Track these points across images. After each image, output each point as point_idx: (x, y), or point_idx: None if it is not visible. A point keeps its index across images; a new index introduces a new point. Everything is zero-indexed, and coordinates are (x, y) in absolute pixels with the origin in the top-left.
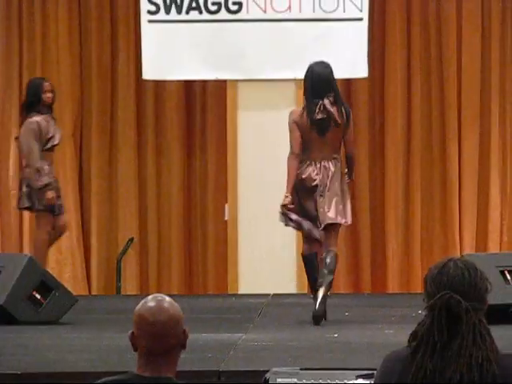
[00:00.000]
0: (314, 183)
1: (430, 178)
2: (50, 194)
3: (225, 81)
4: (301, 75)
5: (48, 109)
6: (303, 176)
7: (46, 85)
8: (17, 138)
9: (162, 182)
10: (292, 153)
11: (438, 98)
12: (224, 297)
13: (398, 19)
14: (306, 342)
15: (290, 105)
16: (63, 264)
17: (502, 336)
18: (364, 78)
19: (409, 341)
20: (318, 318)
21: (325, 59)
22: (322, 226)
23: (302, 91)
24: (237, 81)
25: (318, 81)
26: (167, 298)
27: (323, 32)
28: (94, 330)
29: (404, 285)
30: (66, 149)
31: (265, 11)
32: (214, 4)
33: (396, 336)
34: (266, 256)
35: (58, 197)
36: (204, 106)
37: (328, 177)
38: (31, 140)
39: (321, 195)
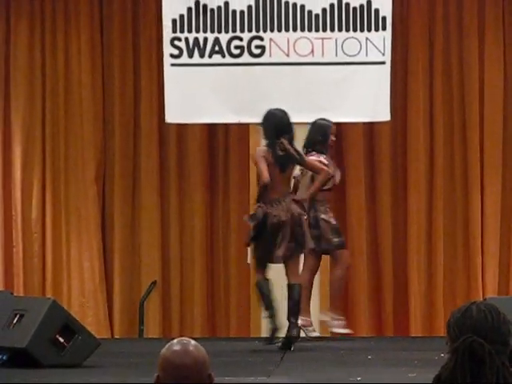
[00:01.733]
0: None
1: (453, 221)
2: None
3: (247, 124)
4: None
5: (327, 151)
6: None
7: (334, 128)
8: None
9: (185, 226)
10: (264, 182)
11: (460, 142)
12: (247, 340)
13: (420, 63)
14: None
15: None
16: (86, 307)
17: None
18: (386, 122)
19: None
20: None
21: (347, 102)
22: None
23: None
24: (259, 124)
25: (281, 123)
26: (192, 342)
27: (346, 75)
28: (117, 374)
29: (426, 329)
30: (89, 194)
31: (288, 55)
32: (236, 48)
33: (419, 379)
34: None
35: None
36: (227, 149)
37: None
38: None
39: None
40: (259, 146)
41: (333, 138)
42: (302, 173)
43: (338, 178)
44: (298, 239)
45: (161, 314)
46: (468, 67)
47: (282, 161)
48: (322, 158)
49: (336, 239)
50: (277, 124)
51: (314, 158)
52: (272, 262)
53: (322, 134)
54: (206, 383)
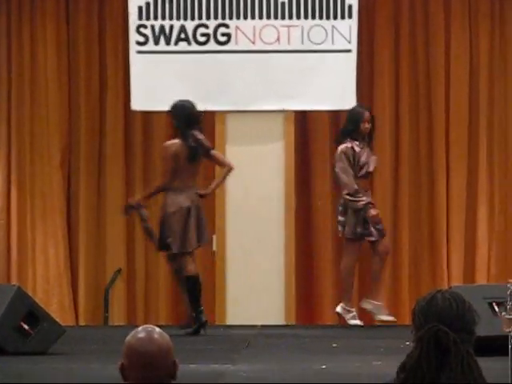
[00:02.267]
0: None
1: (418, 210)
2: (373, 212)
3: (213, 112)
4: (289, 106)
5: (363, 138)
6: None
7: (367, 115)
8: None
9: (150, 213)
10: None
11: (425, 133)
12: (212, 327)
13: (386, 51)
14: (294, 374)
15: (277, 136)
16: (51, 294)
17: (490, 368)
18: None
19: (397, 373)
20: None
21: (314, 90)
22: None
23: (289, 122)
24: (225, 112)
25: (191, 115)
26: (157, 329)
27: (312, 63)
28: (81, 361)
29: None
30: (54, 180)
31: (253, 43)
32: (202, 35)
33: (384, 367)
34: (253, 287)
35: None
36: None
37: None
38: (344, 165)
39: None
40: (225, 133)
41: (366, 125)
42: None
43: (372, 165)
44: (197, 230)
45: (125, 301)
46: (434, 55)
47: (194, 152)
48: (354, 145)
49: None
50: (188, 115)
51: (344, 145)
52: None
53: (354, 122)
54: (170, 370)
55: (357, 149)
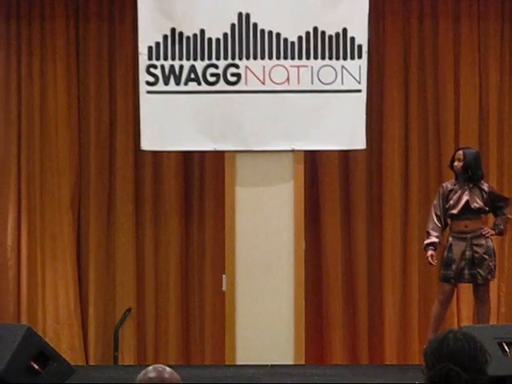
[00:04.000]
0: None
1: None
2: (428, 253)
3: (223, 152)
4: (299, 146)
5: (460, 177)
6: None
7: (457, 154)
8: None
9: (160, 253)
10: None
11: (435, 171)
12: (221, 367)
13: (395, 91)
14: None
15: (287, 176)
16: (61, 334)
17: None
18: (362, 150)
19: None
20: None
21: (323, 130)
22: None
23: (299, 162)
24: (235, 152)
25: None
26: (168, 369)
27: (321, 103)
28: None
29: (401, 357)
30: (64, 221)
31: (263, 83)
32: (212, 75)
33: None
34: (263, 327)
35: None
36: (202, 176)
37: None
38: (434, 203)
39: None
40: (234, 173)
41: (455, 163)
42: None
43: (473, 203)
44: None
45: (135, 341)
46: (443, 96)
47: None
48: (449, 183)
49: (441, 271)
50: None
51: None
52: None
53: (450, 161)
54: None
55: (449, 187)
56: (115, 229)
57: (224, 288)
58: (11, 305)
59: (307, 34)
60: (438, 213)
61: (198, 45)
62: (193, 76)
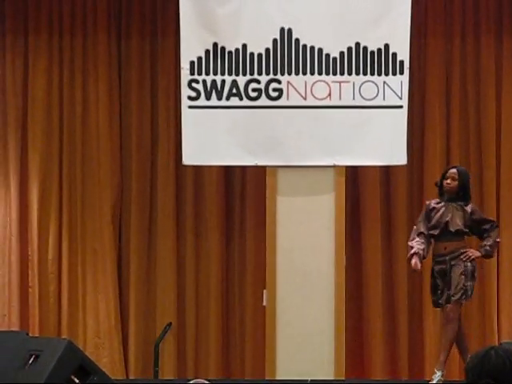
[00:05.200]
0: None
1: None
2: (413, 261)
3: (264, 167)
4: (340, 162)
5: (449, 196)
6: None
7: (449, 172)
8: None
9: (201, 268)
10: None
11: (477, 187)
12: (262, 382)
13: (437, 107)
14: None
15: (328, 190)
16: (101, 348)
17: None
18: (403, 166)
19: None
20: None
21: (364, 145)
22: None
23: (340, 177)
24: (276, 167)
25: None
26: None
27: (363, 119)
28: None
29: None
30: (105, 235)
31: (305, 98)
32: (254, 90)
33: None
34: (303, 342)
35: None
36: (243, 191)
37: None
38: (419, 219)
39: None
40: (276, 187)
41: (448, 181)
42: None
43: (454, 225)
44: None
45: (176, 355)
46: (485, 112)
47: None
48: (433, 201)
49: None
50: None
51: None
52: None
53: (440, 179)
54: None
55: (431, 205)
56: (156, 243)
57: (264, 303)
58: (52, 318)
59: (349, 49)
60: (422, 230)
61: (240, 60)
62: (234, 91)
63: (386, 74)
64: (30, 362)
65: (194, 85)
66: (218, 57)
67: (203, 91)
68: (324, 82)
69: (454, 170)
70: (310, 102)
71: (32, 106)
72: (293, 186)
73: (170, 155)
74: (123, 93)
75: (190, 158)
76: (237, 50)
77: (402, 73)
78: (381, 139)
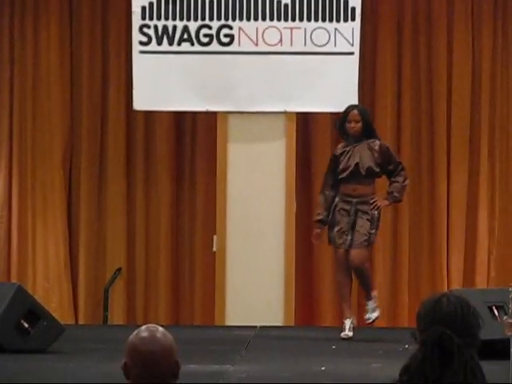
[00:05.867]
0: None
1: (419, 212)
2: (315, 230)
3: (215, 112)
4: (291, 108)
5: (353, 138)
6: None
7: (351, 114)
8: None
9: (151, 214)
10: None
11: (427, 134)
12: (211, 328)
13: (388, 54)
14: (294, 375)
15: (279, 137)
16: (51, 293)
17: (491, 371)
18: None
19: (400, 375)
20: None
21: (316, 92)
22: None
23: (291, 123)
24: (227, 113)
25: None
26: (160, 329)
27: (314, 65)
28: (81, 360)
29: (391, 320)
30: (55, 180)
31: (256, 44)
32: (205, 36)
33: (383, 370)
34: (253, 288)
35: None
36: (194, 137)
37: None
38: (326, 171)
39: None
40: (226, 133)
41: (351, 124)
42: None
43: (365, 164)
44: None
45: (125, 300)
46: (436, 58)
47: None
48: (337, 148)
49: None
50: None
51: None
52: None
53: (340, 122)
54: (173, 370)
55: (340, 150)
56: (106, 189)
57: (215, 248)
58: (1, 263)
59: None
60: (330, 182)
61: (192, 5)
62: (186, 36)
63: (338, 21)
64: None
65: (145, 30)
66: (169, 2)
67: (154, 36)
68: (275, 27)
69: (355, 111)
70: (262, 47)
71: None
72: (244, 133)
73: (120, 100)
74: (74, 38)
75: (140, 103)
76: None
77: (353, 19)
78: (332, 86)
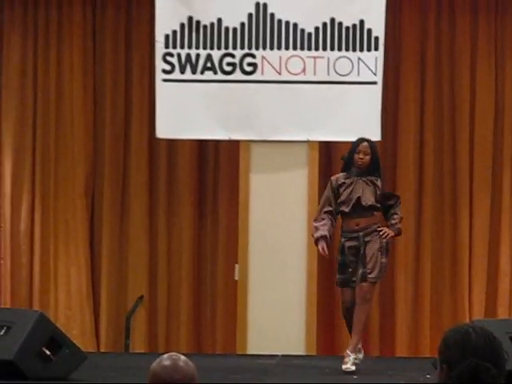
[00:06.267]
0: None
1: (441, 242)
2: (319, 245)
3: (238, 141)
4: (314, 137)
5: (359, 170)
6: None
7: (361, 146)
8: None
9: (173, 242)
10: None
11: (450, 163)
12: (233, 357)
13: (411, 84)
14: None
15: (301, 166)
16: (72, 320)
17: None
18: (377, 142)
19: None
20: None
21: (338, 121)
22: None
23: (313, 152)
24: (250, 141)
25: None
26: (182, 357)
27: (337, 95)
28: None
29: (412, 349)
30: (78, 207)
31: (279, 73)
32: (228, 64)
33: None
34: (275, 317)
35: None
36: (217, 166)
37: None
38: (324, 195)
39: None
40: (249, 162)
41: (360, 155)
42: None
43: (367, 199)
44: None
45: (147, 328)
46: (459, 89)
47: None
48: (341, 176)
49: (337, 275)
50: None
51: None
52: None
53: (349, 153)
54: None
55: (340, 180)
56: (129, 217)
57: (236, 277)
58: (23, 290)
59: (324, 24)
60: (329, 208)
61: (215, 34)
62: (209, 65)
63: (361, 50)
64: (2, 333)
65: (168, 58)
66: (192, 30)
67: (177, 65)
68: (299, 57)
69: (366, 144)
70: (285, 77)
71: (6, 78)
72: (266, 161)
73: (143, 128)
74: (97, 66)
75: (163, 131)
76: (212, 23)
77: (376, 49)
78: (355, 115)
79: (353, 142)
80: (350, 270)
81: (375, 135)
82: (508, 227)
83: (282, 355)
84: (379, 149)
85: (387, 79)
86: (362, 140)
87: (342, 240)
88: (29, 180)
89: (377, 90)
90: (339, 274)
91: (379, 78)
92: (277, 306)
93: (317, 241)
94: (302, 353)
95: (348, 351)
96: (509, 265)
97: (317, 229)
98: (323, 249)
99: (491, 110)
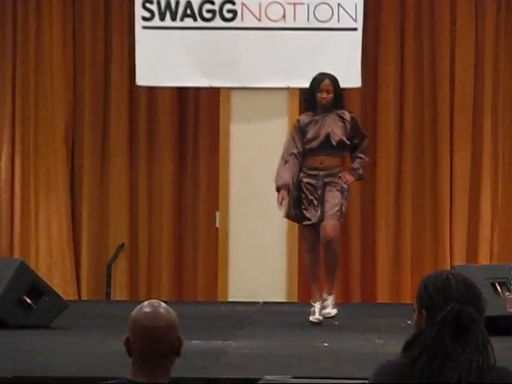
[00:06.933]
0: None
1: (421, 188)
2: (280, 195)
3: (218, 88)
4: (294, 84)
5: (322, 108)
6: None
7: (323, 84)
8: None
9: (154, 189)
10: None
11: (430, 109)
12: (214, 304)
13: (391, 29)
14: (297, 351)
15: (281, 113)
16: (53, 268)
17: (494, 348)
18: (357, 88)
19: (404, 349)
20: None
21: (318, 68)
22: None
23: (294, 100)
24: (230, 88)
25: None
26: (163, 305)
27: (317, 41)
28: (84, 335)
29: (393, 295)
30: (58, 154)
31: (259, 20)
32: (208, 11)
33: (386, 346)
34: (256, 264)
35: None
36: (197, 112)
37: None
38: (288, 138)
39: None
40: (229, 109)
41: (323, 95)
42: None
43: (336, 136)
44: None
45: (128, 276)
46: (439, 33)
47: None
48: (304, 116)
49: (291, 210)
50: None
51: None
52: None
53: (310, 91)
54: (175, 346)
55: (308, 119)
56: (109, 164)
57: (217, 224)
58: (4, 239)
59: None
60: (295, 151)
61: None
62: (189, 12)
63: None
64: None
65: (147, 5)
66: None
67: (157, 12)
68: (278, 3)
69: (328, 82)
70: (265, 23)
71: None
72: (247, 109)
73: (123, 76)
74: (76, 14)
75: (143, 79)
76: None
77: None
78: (335, 61)
79: (313, 79)
80: (303, 207)
81: (355, 82)
82: (489, 174)
83: (264, 302)
84: (359, 95)
85: (367, 25)
86: (323, 77)
87: (301, 175)
88: (8, 129)
89: (357, 37)
90: (293, 209)
91: (359, 25)
92: (258, 253)
93: (278, 189)
94: (283, 300)
95: (325, 295)
96: (490, 210)
97: (279, 176)
98: (282, 198)
99: (471, 55)
